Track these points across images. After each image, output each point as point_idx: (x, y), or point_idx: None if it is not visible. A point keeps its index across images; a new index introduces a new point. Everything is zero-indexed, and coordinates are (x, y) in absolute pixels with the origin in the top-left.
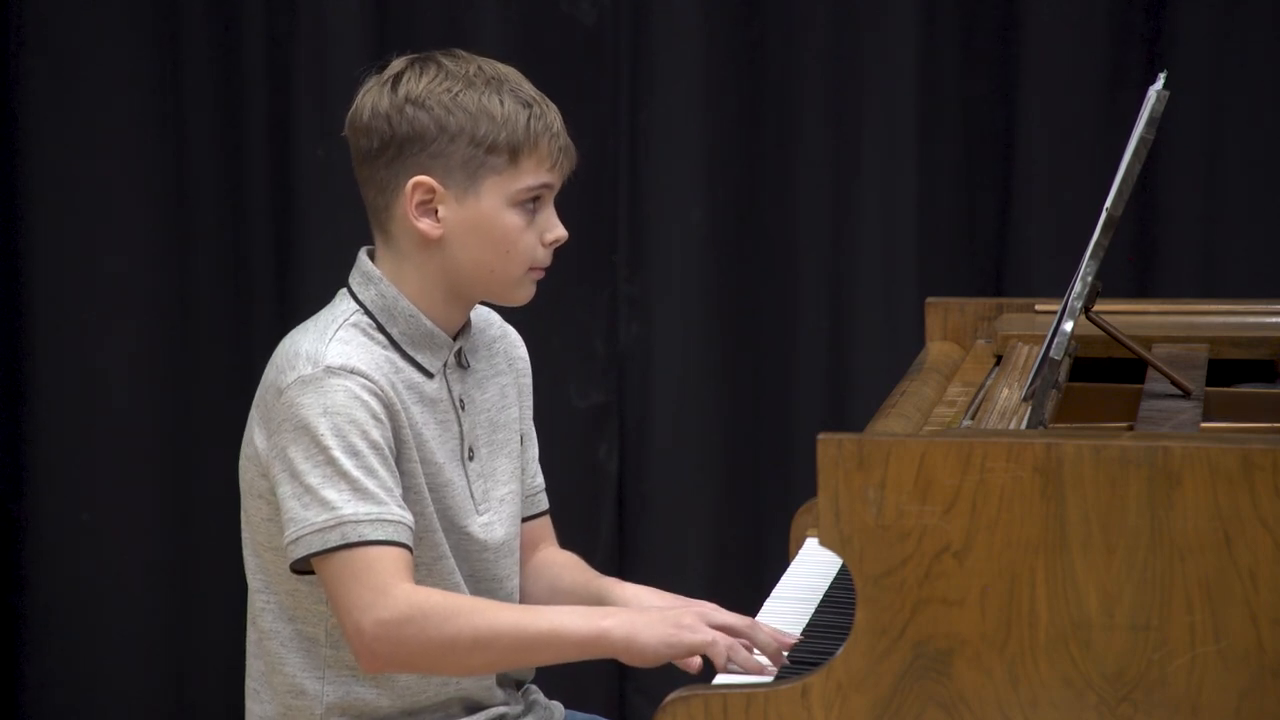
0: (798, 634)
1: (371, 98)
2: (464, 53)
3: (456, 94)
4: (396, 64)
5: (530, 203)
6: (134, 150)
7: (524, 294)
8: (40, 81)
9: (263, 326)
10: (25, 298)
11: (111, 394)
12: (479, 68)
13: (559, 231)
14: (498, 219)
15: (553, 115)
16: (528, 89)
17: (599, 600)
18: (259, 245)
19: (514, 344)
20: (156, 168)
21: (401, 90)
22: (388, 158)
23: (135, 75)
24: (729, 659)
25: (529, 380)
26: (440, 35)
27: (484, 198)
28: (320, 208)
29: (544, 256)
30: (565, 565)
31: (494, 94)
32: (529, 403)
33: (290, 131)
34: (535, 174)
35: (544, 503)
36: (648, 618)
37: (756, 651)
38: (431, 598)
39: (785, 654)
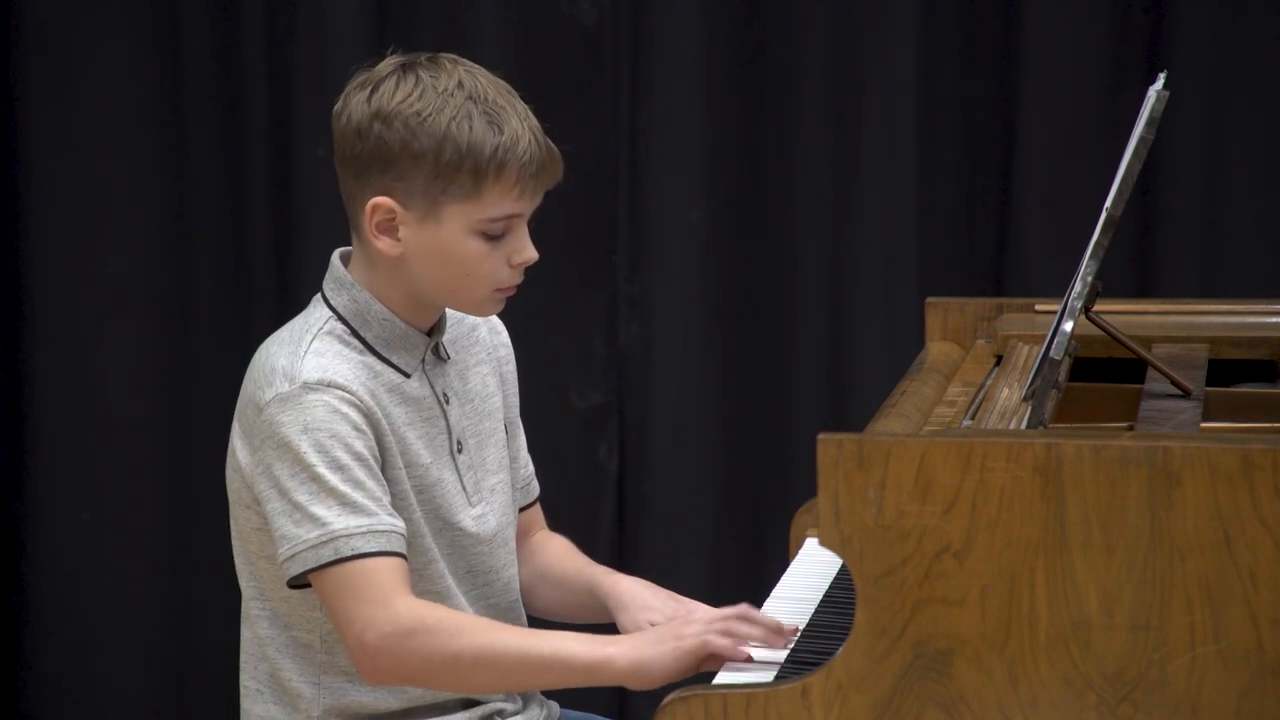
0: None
1: (351, 102)
2: (451, 61)
3: (426, 116)
4: (383, 67)
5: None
6: (134, 150)
7: (489, 310)
8: (40, 81)
9: (263, 326)
10: (25, 298)
11: (111, 394)
12: (459, 83)
13: (528, 254)
14: (458, 246)
15: (526, 141)
16: (507, 111)
17: (590, 589)
18: (259, 245)
19: (495, 330)
20: (156, 168)
21: (375, 102)
22: (355, 170)
23: (135, 75)
24: (726, 631)
25: (512, 368)
26: (440, 35)
27: (445, 224)
28: (320, 208)
29: (510, 277)
30: (555, 552)
31: (465, 118)
32: (513, 389)
33: (290, 131)
34: (499, 204)
35: (535, 490)
36: (649, 638)
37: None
38: (436, 613)
39: (796, 632)
